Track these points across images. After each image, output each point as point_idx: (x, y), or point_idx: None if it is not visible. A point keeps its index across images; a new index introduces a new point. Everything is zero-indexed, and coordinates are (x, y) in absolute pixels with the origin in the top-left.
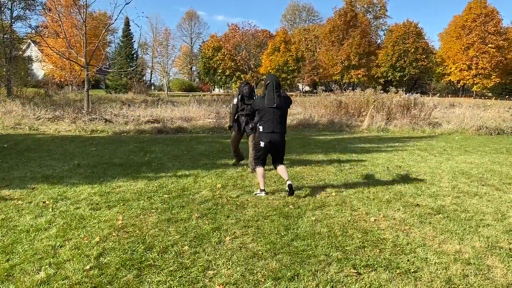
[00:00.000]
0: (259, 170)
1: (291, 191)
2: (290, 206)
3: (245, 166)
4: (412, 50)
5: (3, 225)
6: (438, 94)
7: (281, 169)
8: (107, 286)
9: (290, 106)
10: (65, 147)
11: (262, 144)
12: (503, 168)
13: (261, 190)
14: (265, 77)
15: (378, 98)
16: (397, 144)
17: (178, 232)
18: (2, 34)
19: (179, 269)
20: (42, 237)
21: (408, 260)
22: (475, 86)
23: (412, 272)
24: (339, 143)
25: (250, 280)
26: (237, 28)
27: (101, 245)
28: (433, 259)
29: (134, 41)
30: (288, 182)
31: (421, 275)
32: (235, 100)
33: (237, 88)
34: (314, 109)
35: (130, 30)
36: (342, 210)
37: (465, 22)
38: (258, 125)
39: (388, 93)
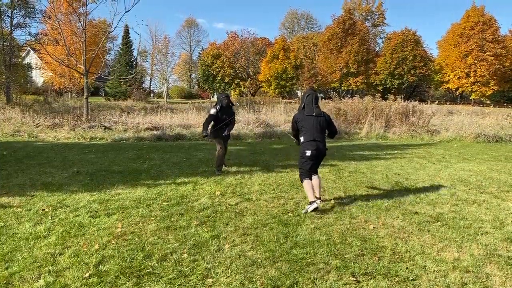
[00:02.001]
0: (307, 182)
1: (314, 209)
2: (289, 214)
3: (244, 174)
4: (411, 57)
5: (2, 233)
6: (436, 102)
7: (316, 182)
8: None
9: (330, 120)
10: (64, 154)
11: (308, 153)
12: (502, 175)
13: (311, 203)
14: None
15: (377, 106)
16: (395, 151)
17: (177, 239)
18: (2, 41)
19: (178, 277)
20: (41, 244)
21: (407, 268)
22: (473, 94)
23: (411, 280)
24: (338, 151)
25: None
26: (236, 36)
27: (100, 252)
28: (432, 267)
29: (134, 49)
30: (316, 204)
31: (420, 283)
32: (212, 110)
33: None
34: None
35: (129, 37)
36: (341, 218)
37: (463, 30)
38: (299, 136)
39: (387, 101)
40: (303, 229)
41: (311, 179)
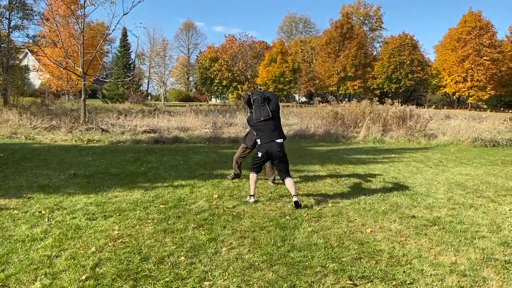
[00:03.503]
0: (252, 176)
1: (297, 207)
2: (287, 217)
3: (241, 177)
4: (408, 62)
5: None
6: (433, 106)
7: (289, 182)
8: None
9: (278, 102)
10: (62, 156)
11: (259, 154)
12: (498, 180)
13: (251, 196)
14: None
15: (374, 110)
16: (393, 155)
17: (174, 242)
18: (0, 43)
19: (175, 280)
20: (38, 247)
21: (404, 272)
22: (470, 98)
23: (408, 284)
24: (336, 154)
25: None
26: (234, 39)
27: (97, 255)
28: (429, 270)
29: (132, 51)
30: (295, 199)
31: (417, 287)
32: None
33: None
34: (311, 120)
35: (127, 40)
36: (338, 221)
37: (460, 35)
38: (255, 138)
39: (384, 105)
40: (301, 232)
41: (257, 174)
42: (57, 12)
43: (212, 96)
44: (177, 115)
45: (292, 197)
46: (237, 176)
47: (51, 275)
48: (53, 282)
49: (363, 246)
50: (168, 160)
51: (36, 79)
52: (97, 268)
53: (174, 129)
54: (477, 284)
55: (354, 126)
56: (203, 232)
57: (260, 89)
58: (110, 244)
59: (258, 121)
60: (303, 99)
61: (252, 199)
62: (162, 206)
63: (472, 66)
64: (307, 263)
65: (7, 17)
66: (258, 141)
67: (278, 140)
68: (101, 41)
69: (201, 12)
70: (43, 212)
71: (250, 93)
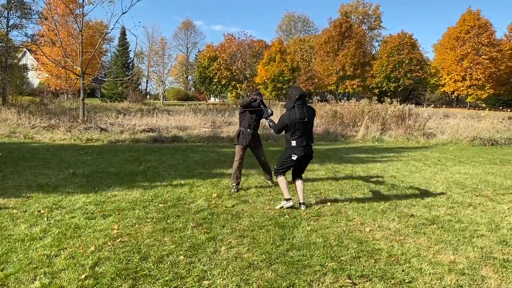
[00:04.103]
0: (282, 179)
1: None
2: (286, 216)
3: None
4: (407, 61)
5: None
6: (432, 105)
7: (300, 186)
8: None
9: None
10: (60, 156)
11: (294, 157)
12: (497, 178)
13: (287, 200)
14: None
15: (373, 109)
16: (391, 154)
17: (173, 241)
18: None
19: (174, 279)
20: (37, 246)
21: (403, 271)
22: (469, 97)
23: (407, 283)
24: (334, 153)
25: None
26: (233, 38)
27: (96, 254)
28: (428, 269)
29: (130, 50)
30: (302, 207)
31: (416, 286)
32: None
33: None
34: None
35: (126, 39)
36: (337, 220)
37: (459, 34)
38: (289, 140)
39: (383, 104)
40: (300, 231)
41: (285, 176)
42: (56, 11)
43: (211, 95)
44: (176, 114)
45: (300, 203)
46: (238, 183)
47: (50, 274)
48: (52, 282)
49: (362, 245)
50: (167, 159)
51: (34, 78)
52: (96, 267)
53: (173, 128)
54: (475, 283)
55: (353, 125)
56: (202, 231)
57: (258, 89)
58: (109, 243)
59: (301, 121)
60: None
61: (290, 203)
62: (161, 205)
63: (471, 65)
64: (306, 262)
65: (6, 16)
66: (294, 143)
67: (311, 142)
68: (100, 40)
69: (200, 11)
70: (42, 211)
71: (256, 97)
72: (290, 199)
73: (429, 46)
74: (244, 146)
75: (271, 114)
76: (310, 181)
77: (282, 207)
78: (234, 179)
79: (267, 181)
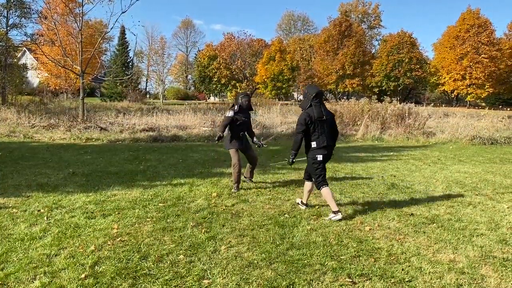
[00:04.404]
0: (326, 190)
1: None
2: (286, 215)
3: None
4: (407, 60)
5: None
6: (432, 104)
7: (309, 187)
8: None
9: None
10: (60, 155)
11: (319, 157)
12: (497, 177)
13: (335, 212)
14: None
15: (373, 108)
16: (391, 153)
17: (173, 241)
18: None
19: (174, 278)
20: (37, 245)
21: (402, 269)
22: (468, 96)
23: (407, 281)
24: (334, 152)
25: None
26: (232, 37)
27: (96, 253)
28: (428, 268)
29: (130, 50)
30: (339, 216)
31: (415, 285)
32: (229, 113)
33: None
34: None
35: (125, 38)
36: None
37: (458, 33)
38: (311, 141)
39: (383, 103)
40: (299, 230)
41: (328, 186)
42: (55, 10)
43: (211, 95)
44: (176, 113)
45: (336, 213)
46: (238, 183)
47: (50, 273)
48: (52, 281)
49: (361, 244)
50: (167, 158)
51: (34, 78)
52: (96, 267)
53: (172, 128)
54: (475, 282)
55: (353, 124)
56: (202, 231)
57: (246, 92)
58: (109, 243)
59: (320, 119)
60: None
61: (338, 216)
62: (161, 204)
63: (471, 64)
64: (306, 261)
65: (5, 15)
66: (314, 144)
67: (332, 143)
68: (100, 39)
69: (200, 10)
70: (42, 210)
71: (243, 94)
72: (338, 211)
73: (428, 45)
74: (237, 148)
75: (262, 146)
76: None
77: (330, 219)
78: (236, 180)
79: (245, 178)
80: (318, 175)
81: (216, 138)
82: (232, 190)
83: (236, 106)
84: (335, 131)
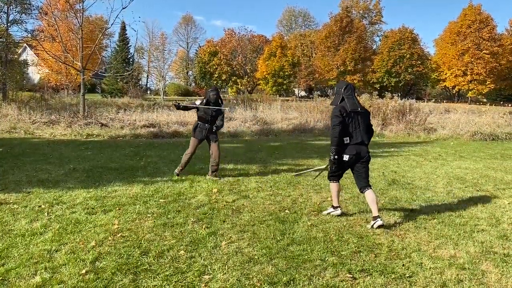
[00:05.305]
0: (334, 186)
1: (378, 226)
2: (286, 211)
3: (241, 171)
4: (408, 56)
5: None
6: (433, 100)
7: (371, 196)
8: None
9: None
10: (61, 151)
11: (346, 157)
12: (498, 173)
13: (335, 208)
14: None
15: (374, 104)
16: (392, 149)
17: (174, 236)
18: None
19: (175, 274)
20: (37, 241)
21: (403, 265)
22: (470, 92)
23: (407, 277)
24: None
25: (246, 285)
26: (233, 33)
27: (97, 249)
28: (428, 264)
29: (131, 46)
30: (378, 222)
31: (416, 280)
32: (197, 102)
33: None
34: (310, 114)
35: (126, 34)
36: (338, 215)
37: (460, 29)
38: (343, 136)
39: (384, 99)
40: (300, 226)
41: (339, 182)
42: (56, 6)
43: None
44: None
45: (374, 218)
46: (182, 168)
47: (51, 269)
48: (53, 276)
49: (362, 240)
50: (168, 154)
51: (35, 74)
52: (97, 262)
53: (173, 124)
54: (476, 277)
55: None
56: (202, 226)
57: (215, 86)
58: (109, 239)
59: (354, 111)
60: (303, 93)
61: (338, 211)
62: (161, 200)
63: (472, 59)
64: (306, 257)
65: (6, 11)
66: (347, 139)
67: (367, 142)
68: (100, 35)
69: (200, 6)
70: (42, 206)
71: (213, 88)
72: (338, 206)
73: (430, 41)
74: (200, 139)
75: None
76: (310, 176)
77: (329, 213)
78: (182, 166)
79: (209, 175)
80: (334, 170)
81: (176, 104)
82: (175, 171)
83: (204, 100)
84: (370, 128)
